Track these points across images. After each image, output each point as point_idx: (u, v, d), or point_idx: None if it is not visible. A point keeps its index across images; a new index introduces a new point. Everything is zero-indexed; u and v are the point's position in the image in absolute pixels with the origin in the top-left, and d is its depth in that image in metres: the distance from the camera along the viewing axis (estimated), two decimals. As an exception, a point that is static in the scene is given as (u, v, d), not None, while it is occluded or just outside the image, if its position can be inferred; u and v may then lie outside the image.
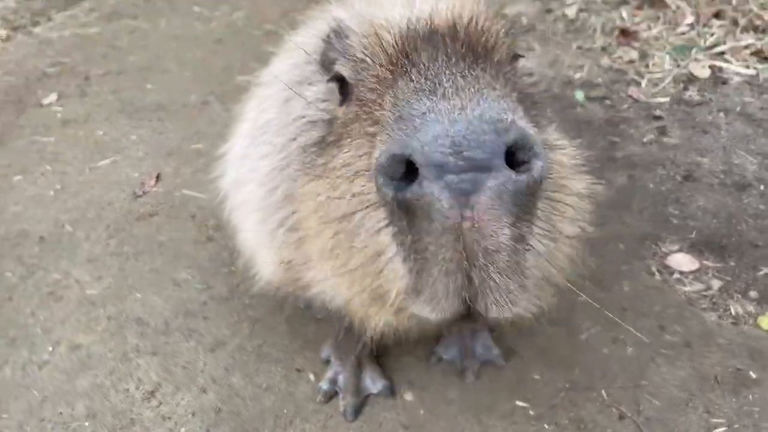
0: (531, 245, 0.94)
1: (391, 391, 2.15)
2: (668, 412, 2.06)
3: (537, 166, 0.86)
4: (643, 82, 3.78)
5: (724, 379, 2.15)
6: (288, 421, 2.10)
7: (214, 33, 4.94)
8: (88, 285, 2.68)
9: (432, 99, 0.94)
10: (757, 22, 4.02)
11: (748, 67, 3.77)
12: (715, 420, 2.04)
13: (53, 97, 4.14)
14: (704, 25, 4.14)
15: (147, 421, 2.14)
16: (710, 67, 3.81)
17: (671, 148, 3.21)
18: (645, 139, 3.29)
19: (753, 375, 2.16)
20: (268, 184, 1.55)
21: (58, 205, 3.15)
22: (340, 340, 2.14)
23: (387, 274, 1.02)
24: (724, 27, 4.08)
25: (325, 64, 1.40)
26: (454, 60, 1.06)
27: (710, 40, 4.00)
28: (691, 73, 3.80)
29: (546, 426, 2.05)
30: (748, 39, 3.93)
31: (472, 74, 1.02)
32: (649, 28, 4.23)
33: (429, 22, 1.16)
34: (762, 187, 2.92)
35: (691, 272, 2.59)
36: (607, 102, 3.63)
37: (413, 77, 1.04)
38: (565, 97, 3.70)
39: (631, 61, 3.98)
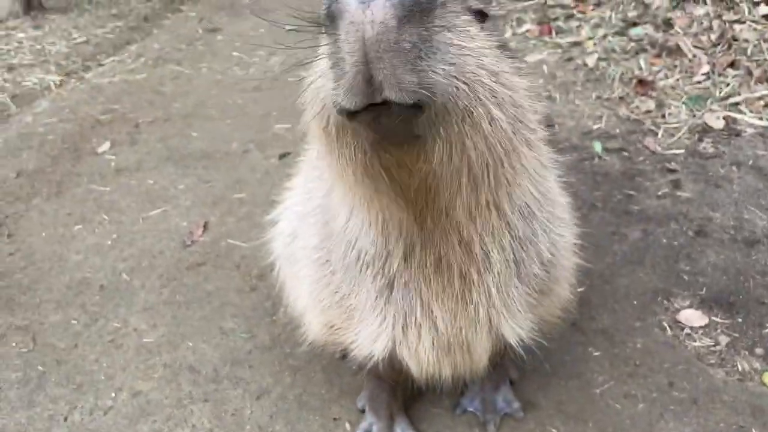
0: (424, 48, 1.11)
1: None
2: (674, 466, 2.25)
3: None
4: (660, 133, 3.96)
5: (727, 435, 2.34)
6: (338, 456, 2.34)
7: (252, 79, 5.25)
8: (145, 333, 2.96)
9: None
10: (772, 73, 4.18)
11: (761, 118, 3.94)
12: (718, 475, 2.22)
13: (107, 145, 4.47)
14: (720, 75, 4.31)
15: (201, 465, 2.39)
16: (724, 118, 3.98)
17: (684, 202, 3.39)
18: (659, 193, 3.47)
19: (755, 432, 2.34)
20: (316, 255, 1.89)
21: (115, 254, 3.45)
22: (372, 392, 2.37)
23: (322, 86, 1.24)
24: (738, 77, 4.25)
25: None
26: None
27: (725, 91, 4.17)
28: (706, 124, 3.98)
29: (561, 478, 2.25)
30: (762, 90, 4.09)
31: None
32: (666, 77, 4.41)
33: None
34: (771, 244, 3.09)
35: (701, 327, 2.77)
36: (624, 153, 3.82)
37: None
38: (584, 148, 3.90)
39: (648, 111, 4.17)
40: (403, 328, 1.77)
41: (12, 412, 2.65)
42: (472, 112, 1.21)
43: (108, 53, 5.96)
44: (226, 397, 2.64)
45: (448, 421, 2.47)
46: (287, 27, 1.49)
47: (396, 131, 1.19)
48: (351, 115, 1.15)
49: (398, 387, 2.35)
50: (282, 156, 4.17)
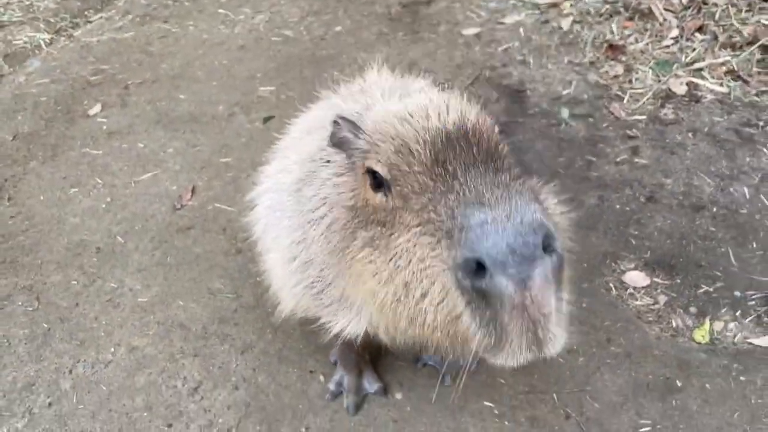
0: (563, 299, 1.39)
1: (385, 392, 2.70)
2: (605, 413, 2.58)
3: (558, 248, 1.28)
4: (625, 98, 4.17)
5: (654, 386, 2.66)
6: (303, 415, 2.67)
7: (237, 39, 5.37)
8: (140, 293, 3.24)
9: (482, 211, 1.34)
10: (736, 38, 4.35)
11: (721, 85, 4.13)
12: (643, 421, 2.55)
13: (98, 107, 4.65)
14: (687, 39, 4.48)
15: (192, 413, 2.72)
16: (687, 83, 4.18)
17: (640, 168, 3.64)
18: (618, 159, 3.72)
19: (678, 383, 2.66)
20: (288, 254, 2.03)
21: (110, 217, 3.70)
22: (343, 351, 2.67)
23: (464, 334, 1.39)
24: (705, 42, 4.42)
25: (337, 143, 1.78)
26: (482, 168, 1.45)
27: (691, 56, 4.35)
28: (670, 89, 4.18)
29: (506, 423, 2.58)
30: (725, 56, 4.27)
31: (502, 183, 1.41)
32: (636, 41, 4.58)
33: (455, 132, 1.52)
34: (714, 209, 3.35)
35: (643, 288, 3.07)
36: (590, 119, 4.03)
37: (458, 191, 1.41)
38: (552, 114, 4.11)
39: (616, 76, 4.36)
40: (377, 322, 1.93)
41: (21, 366, 2.95)
42: None
43: (96, 8, 6.03)
44: (214, 352, 2.94)
45: (410, 373, 2.78)
46: None
47: None
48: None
49: (366, 347, 2.64)
50: (266, 120, 4.37)
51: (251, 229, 2.52)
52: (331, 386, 2.72)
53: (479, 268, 1.26)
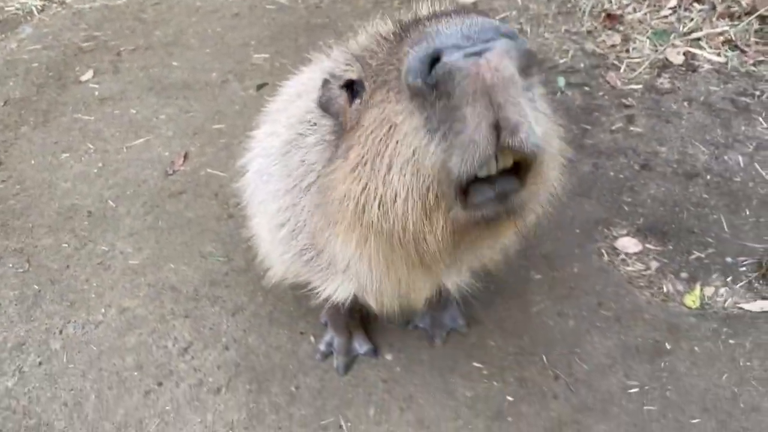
0: (533, 99, 1.16)
1: (375, 353, 2.70)
2: (594, 374, 2.59)
3: (527, 46, 1.12)
4: (622, 68, 4.14)
5: (643, 348, 2.66)
6: (293, 375, 2.67)
7: (231, 6, 5.31)
8: (131, 256, 3.23)
9: (441, 22, 1.14)
10: (734, 8, 4.31)
11: (719, 54, 4.10)
12: (631, 382, 2.56)
13: (90, 74, 4.60)
14: (686, 10, 4.44)
15: (182, 372, 2.72)
16: (684, 53, 4.15)
17: (635, 136, 3.62)
18: (613, 128, 3.70)
19: (668, 346, 2.67)
20: (275, 221, 1.97)
21: (101, 182, 3.68)
22: (333, 313, 2.66)
23: (424, 158, 1.17)
24: (703, 12, 4.38)
25: (325, 104, 1.61)
26: (461, 14, 1.22)
27: (689, 26, 4.31)
28: (667, 59, 4.15)
29: (495, 383, 2.59)
30: (723, 26, 4.24)
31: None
32: (635, 11, 4.54)
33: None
34: (708, 177, 3.34)
35: (635, 254, 3.06)
36: (586, 88, 4.01)
37: (424, 23, 1.20)
38: (549, 83, 4.08)
39: (614, 46, 4.32)
40: (369, 282, 1.83)
41: (11, 326, 2.95)
42: (550, 168, 1.32)
43: (88, -25, 5.96)
44: (205, 313, 2.94)
45: (400, 335, 2.79)
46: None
47: (507, 211, 1.24)
48: (463, 193, 1.18)
49: (355, 310, 2.62)
50: (259, 87, 4.33)
51: (242, 195, 2.49)
52: (321, 347, 2.73)
53: (435, 64, 1.08)
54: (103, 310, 2.99)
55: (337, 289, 2.02)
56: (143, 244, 3.29)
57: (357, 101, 1.41)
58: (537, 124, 1.14)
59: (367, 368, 2.68)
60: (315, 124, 1.82)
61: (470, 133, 1.08)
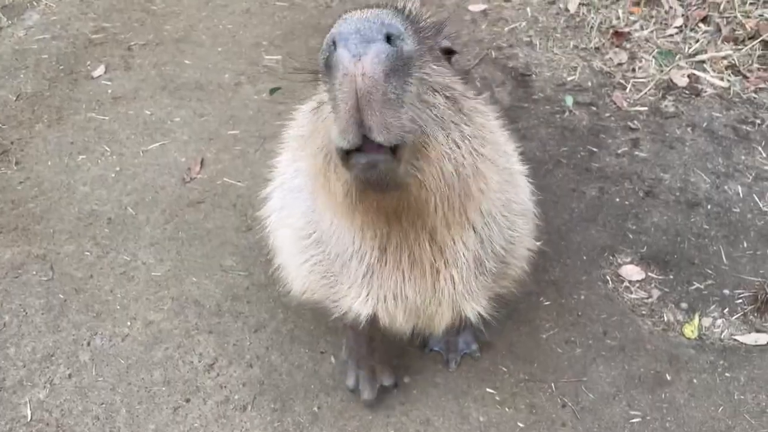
0: (402, 93, 1.35)
1: (396, 384, 2.81)
2: (599, 403, 2.77)
3: (405, 47, 1.34)
4: (628, 87, 4.25)
5: (645, 379, 2.84)
6: (314, 395, 2.82)
7: (242, 1, 5.31)
8: (153, 267, 3.33)
9: (352, 14, 1.39)
10: (738, 32, 4.43)
11: (722, 79, 4.24)
12: (633, 412, 2.74)
13: (101, 69, 4.62)
14: (691, 30, 4.55)
15: (209, 388, 2.85)
16: (689, 75, 4.27)
17: (640, 161, 3.76)
18: (619, 151, 3.83)
19: (668, 377, 2.85)
20: (303, 231, 2.22)
21: (119, 188, 3.75)
22: (352, 346, 2.77)
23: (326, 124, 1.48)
24: (708, 33, 4.50)
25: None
26: (381, 7, 1.52)
27: (694, 47, 4.43)
28: (671, 81, 4.27)
29: (507, 409, 2.76)
30: (727, 50, 4.36)
31: (385, 9, 1.48)
32: (642, 28, 4.63)
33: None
34: (709, 207, 3.50)
35: (638, 282, 3.23)
36: (593, 108, 4.13)
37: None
38: (557, 101, 4.19)
39: (620, 64, 4.43)
40: (382, 301, 2.10)
41: (40, 336, 3.06)
42: (444, 148, 1.52)
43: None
44: (228, 329, 3.07)
45: (417, 358, 2.94)
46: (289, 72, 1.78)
47: (381, 179, 1.48)
48: (345, 154, 1.43)
49: (375, 337, 2.69)
50: (273, 91, 4.39)
51: (266, 218, 2.60)
52: (350, 383, 2.79)
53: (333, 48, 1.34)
54: (128, 323, 3.09)
55: (356, 307, 2.15)
56: (164, 255, 3.38)
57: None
58: (411, 114, 1.39)
59: (385, 391, 2.83)
60: None
61: (337, 120, 1.35)
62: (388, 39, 1.32)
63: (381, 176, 1.47)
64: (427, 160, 1.52)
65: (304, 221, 2.24)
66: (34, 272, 3.31)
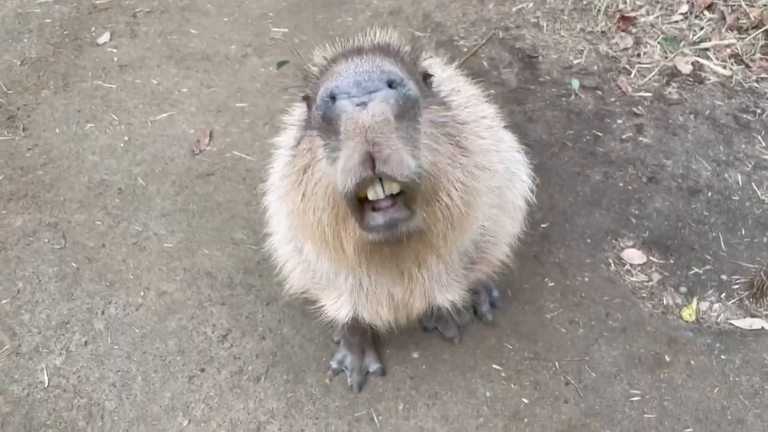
0: (412, 136, 1.39)
1: (383, 372, 2.86)
2: (601, 382, 2.88)
3: (409, 92, 1.38)
4: (633, 72, 4.31)
5: (645, 359, 2.95)
6: (326, 367, 2.90)
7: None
8: (165, 238, 3.37)
9: (345, 63, 1.52)
10: (742, 21, 4.49)
11: (725, 67, 4.31)
12: (633, 391, 2.85)
13: (107, 36, 4.58)
14: (696, 17, 4.60)
15: (223, 359, 2.92)
16: (693, 63, 4.33)
17: (644, 147, 3.84)
18: (624, 136, 3.90)
19: (667, 358, 2.96)
20: (285, 237, 2.29)
21: (129, 158, 3.76)
22: (345, 331, 2.78)
23: (324, 175, 1.49)
24: (713, 21, 4.55)
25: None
26: (367, 52, 1.59)
27: (698, 35, 4.49)
28: (676, 67, 4.34)
29: (512, 386, 2.86)
30: (731, 38, 4.43)
31: (373, 55, 1.54)
32: (648, 13, 4.68)
33: (357, 44, 1.76)
34: (709, 194, 3.60)
35: (639, 265, 3.32)
36: (598, 92, 4.19)
37: (338, 60, 1.57)
38: (563, 84, 4.24)
39: (626, 49, 4.48)
40: (365, 300, 2.19)
41: (54, 304, 3.10)
42: (451, 187, 1.54)
43: None
44: (241, 302, 3.13)
45: (425, 335, 3.02)
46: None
47: (400, 235, 1.51)
48: (359, 212, 1.45)
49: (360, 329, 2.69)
50: (280, 64, 4.39)
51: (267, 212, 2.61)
52: (333, 364, 2.87)
53: (333, 102, 1.37)
54: (142, 293, 3.14)
55: (337, 308, 2.29)
56: (176, 227, 3.42)
57: (309, 113, 1.71)
58: (416, 153, 1.40)
59: (396, 365, 2.92)
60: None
61: (344, 161, 1.35)
62: (390, 85, 1.37)
63: (401, 233, 1.51)
64: (437, 200, 1.55)
65: (285, 227, 2.27)
66: (46, 240, 3.34)
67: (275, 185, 2.37)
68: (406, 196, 1.46)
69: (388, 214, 1.45)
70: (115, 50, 4.49)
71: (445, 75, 2.34)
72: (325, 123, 1.39)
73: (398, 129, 1.34)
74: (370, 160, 1.32)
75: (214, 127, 3.96)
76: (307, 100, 1.74)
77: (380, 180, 1.39)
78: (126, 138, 3.87)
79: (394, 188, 1.43)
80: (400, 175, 1.35)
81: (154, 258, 3.28)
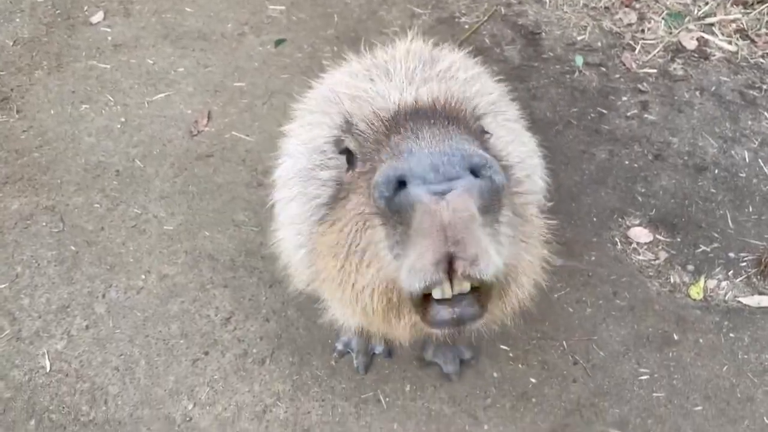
0: (497, 230, 1.23)
1: (390, 354, 2.83)
2: (609, 361, 2.85)
3: (496, 179, 1.17)
4: (637, 49, 4.25)
5: (653, 338, 2.93)
6: (332, 349, 2.86)
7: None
8: (165, 221, 3.32)
9: (415, 141, 1.24)
10: (749, -5, 4.43)
11: (730, 43, 4.25)
12: (642, 370, 2.83)
13: (100, 15, 4.48)
14: (701, -9, 4.53)
15: (226, 342, 2.88)
16: (697, 39, 4.27)
17: (649, 124, 3.79)
18: (629, 114, 3.85)
19: (675, 337, 2.93)
20: (294, 240, 2.06)
21: (126, 139, 3.69)
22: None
23: (382, 268, 1.30)
24: (718, -4, 4.49)
25: (337, 145, 1.70)
26: (432, 120, 1.35)
27: (703, 10, 4.42)
28: (680, 43, 4.27)
29: (520, 366, 2.83)
30: (736, 13, 4.36)
31: (444, 127, 1.30)
32: (652, -12, 4.61)
33: (414, 102, 1.57)
34: (716, 171, 3.56)
35: (646, 244, 3.29)
36: (602, 69, 4.12)
37: (401, 131, 1.33)
38: (567, 61, 4.18)
39: (630, 25, 4.41)
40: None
41: (54, 288, 3.05)
42: (525, 271, 1.45)
43: None
44: (243, 284, 3.08)
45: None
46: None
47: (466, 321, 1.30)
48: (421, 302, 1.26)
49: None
50: (278, 43, 4.31)
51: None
52: (339, 346, 2.84)
53: (400, 187, 1.17)
54: (143, 276, 3.09)
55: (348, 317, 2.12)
56: (175, 209, 3.36)
57: (352, 170, 1.54)
58: (501, 250, 1.24)
59: (401, 346, 2.88)
60: (330, 158, 1.89)
61: (415, 259, 1.16)
62: (473, 171, 1.16)
63: (468, 329, 1.35)
64: (509, 293, 1.44)
65: (294, 230, 2.07)
66: (44, 223, 3.28)
67: (285, 182, 2.23)
68: (479, 292, 1.29)
69: (457, 310, 1.27)
70: (108, 29, 4.39)
71: (468, 75, 2.20)
72: (390, 211, 1.20)
73: (483, 225, 1.17)
74: (446, 261, 1.15)
75: (212, 108, 3.88)
76: (348, 154, 1.56)
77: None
78: (122, 119, 3.80)
79: (465, 287, 1.26)
80: (488, 276, 1.17)
81: (154, 241, 3.23)
